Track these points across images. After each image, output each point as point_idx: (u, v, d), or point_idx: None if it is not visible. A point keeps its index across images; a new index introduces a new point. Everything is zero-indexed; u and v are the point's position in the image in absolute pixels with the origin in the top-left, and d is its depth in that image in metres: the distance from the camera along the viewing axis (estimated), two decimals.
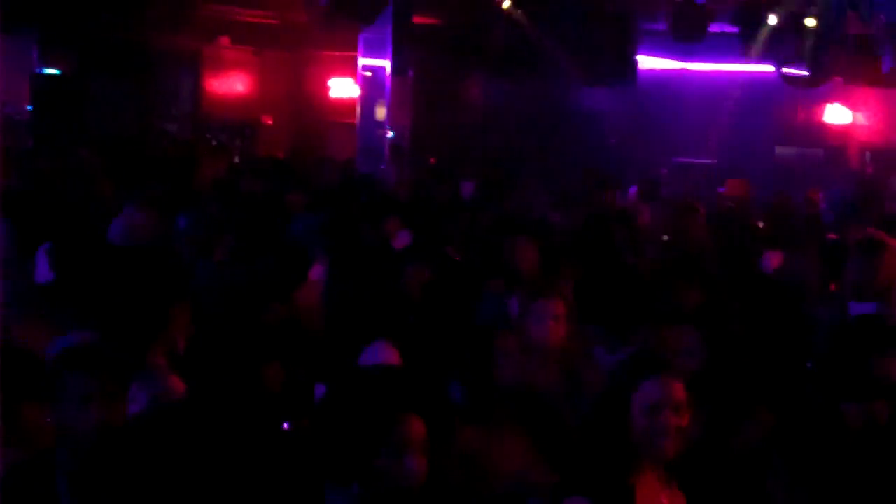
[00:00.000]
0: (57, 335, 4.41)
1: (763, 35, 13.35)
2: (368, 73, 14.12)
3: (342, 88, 17.01)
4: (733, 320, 5.15)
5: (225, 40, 16.46)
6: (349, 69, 15.59)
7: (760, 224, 9.22)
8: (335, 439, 2.98)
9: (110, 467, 3.41)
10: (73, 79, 14.62)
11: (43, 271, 5.81)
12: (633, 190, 11.36)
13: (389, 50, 12.72)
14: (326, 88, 17.40)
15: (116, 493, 3.39)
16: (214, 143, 15.49)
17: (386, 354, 4.46)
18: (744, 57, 14.20)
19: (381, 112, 13.93)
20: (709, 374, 4.09)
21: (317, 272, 6.04)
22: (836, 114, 17.02)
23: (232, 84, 17.08)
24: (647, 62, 15.81)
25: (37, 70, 14.65)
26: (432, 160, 12.48)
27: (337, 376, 4.30)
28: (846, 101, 16.82)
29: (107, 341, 4.08)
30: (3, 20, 13.43)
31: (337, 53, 16.13)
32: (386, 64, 13.23)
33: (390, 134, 13.84)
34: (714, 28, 13.17)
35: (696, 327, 4.52)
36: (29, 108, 14.53)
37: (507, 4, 12.69)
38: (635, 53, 14.84)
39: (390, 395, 3.05)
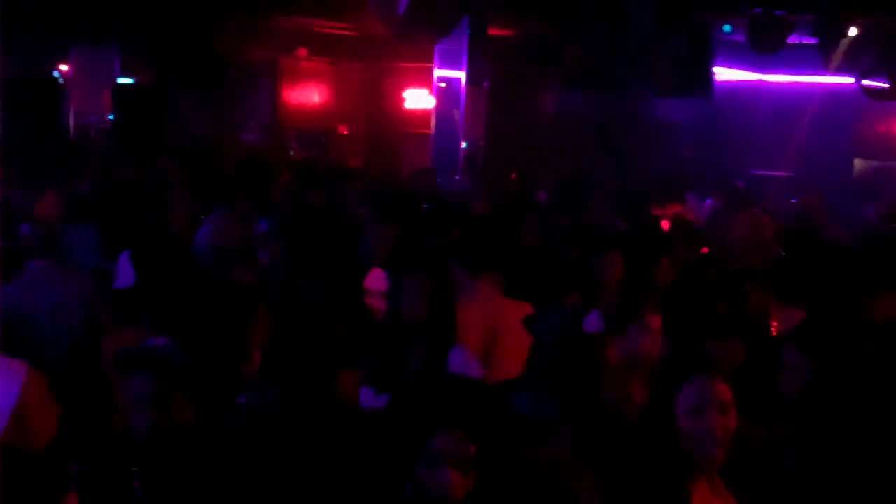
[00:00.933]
0: (137, 340, 4.51)
1: (843, 46, 13.17)
2: (443, 84, 14.18)
3: (417, 99, 17.11)
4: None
5: (302, 51, 16.65)
6: (424, 80, 15.67)
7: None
8: (386, 445, 3.04)
9: (167, 468, 3.48)
10: (154, 89, 14.89)
11: (124, 277, 5.93)
12: (709, 202, 11.26)
13: (465, 61, 12.77)
14: (401, 99, 17.51)
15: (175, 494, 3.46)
16: (292, 152, 15.69)
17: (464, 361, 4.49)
18: (823, 68, 14.02)
19: (455, 123, 13.99)
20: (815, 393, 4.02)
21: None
22: None
23: (308, 94, 17.26)
24: (723, 73, 15.68)
25: (118, 80, 14.94)
26: (513, 175, 12.48)
27: (397, 384, 4.37)
28: None
29: (181, 347, 4.15)
30: (89, 33, 13.76)
31: (412, 64, 16.23)
32: (461, 75, 13.29)
33: (464, 145, 13.89)
34: (792, 39, 13.00)
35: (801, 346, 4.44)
36: (111, 117, 14.83)
37: (582, 15, 12.67)
38: (712, 64, 14.70)
39: (432, 407, 3.08)
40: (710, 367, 3.32)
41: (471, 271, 5.49)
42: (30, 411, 3.19)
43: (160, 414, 3.51)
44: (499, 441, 3.31)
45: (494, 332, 5.17)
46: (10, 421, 3.31)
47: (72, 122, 14.46)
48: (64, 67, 15.14)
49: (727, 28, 13.50)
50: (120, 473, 3.45)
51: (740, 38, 13.37)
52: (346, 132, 17.29)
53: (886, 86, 13.83)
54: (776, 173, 15.76)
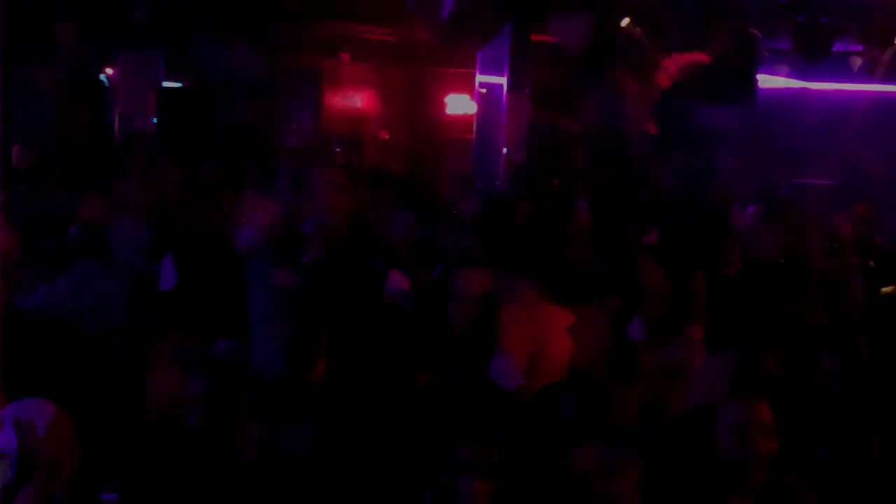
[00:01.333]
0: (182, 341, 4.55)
1: (889, 54, 13.06)
2: (483, 90, 14.19)
3: (458, 105, 17.13)
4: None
5: (345, 56, 16.73)
6: (466, 86, 15.69)
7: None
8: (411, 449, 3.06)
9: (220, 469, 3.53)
10: (198, 93, 15.01)
11: (167, 279, 5.99)
12: (751, 209, 11.19)
13: (507, 67, 12.78)
14: (443, 105, 17.54)
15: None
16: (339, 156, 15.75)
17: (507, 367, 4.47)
18: (868, 76, 13.91)
19: (494, 128, 14.00)
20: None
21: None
22: None
23: (351, 99, 17.33)
24: (768, 81, 15.59)
25: (163, 84, 15.08)
26: (556, 181, 12.45)
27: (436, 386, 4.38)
28: None
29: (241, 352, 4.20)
30: (135, 37, 13.91)
31: (454, 70, 16.26)
32: (502, 81, 13.29)
33: (504, 151, 13.88)
34: (839, 47, 12.92)
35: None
36: (155, 120, 14.97)
37: (625, 22, 12.65)
38: (756, 72, 14.64)
39: (460, 416, 3.10)
40: (758, 388, 3.29)
41: (516, 277, 5.48)
42: (54, 450, 3.23)
43: (213, 415, 3.55)
44: (533, 447, 3.31)
45: (538, 338, 5.16)
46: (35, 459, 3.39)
47: (117, 125, 14.60)
48: (109, 71, 15.32)
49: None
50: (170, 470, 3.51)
51: (784, 45, 13.30)
52: (387, 137, 17.35)
53: None
54: (820, 182, 15.61)
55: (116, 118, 14.61)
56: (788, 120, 16.11)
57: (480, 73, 13.67)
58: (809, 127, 16.15)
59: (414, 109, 17.44)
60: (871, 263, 7.79)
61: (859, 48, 13.44)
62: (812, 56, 13.16)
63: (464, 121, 16.20)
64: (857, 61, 13.30)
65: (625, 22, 12.69)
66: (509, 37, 12.16)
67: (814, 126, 16.14)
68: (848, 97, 16.31)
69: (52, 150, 11.05)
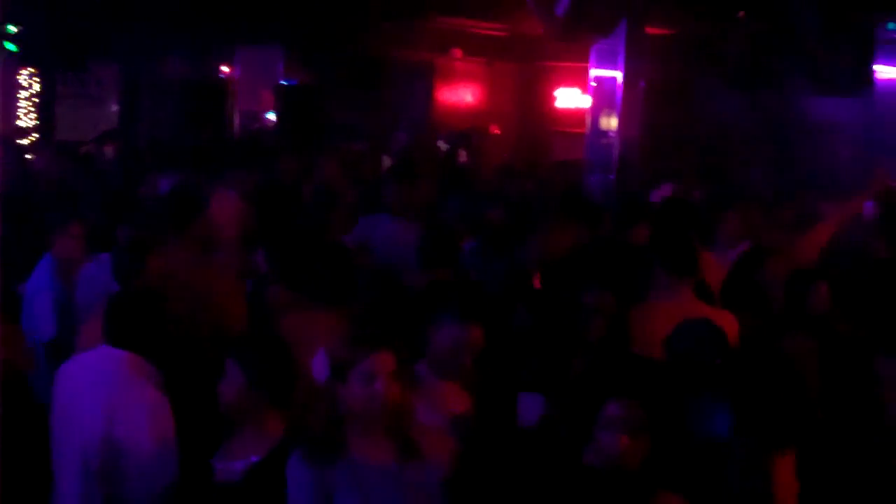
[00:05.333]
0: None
1: None
2: (595, 84, 14.14)
3: (569, 98, 17.12)
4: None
5: (457, 52, 16.85)
6: (577, 79, 15.68)
7: None
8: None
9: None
10: (314, 89, 15.27)
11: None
12: (869, 205, 11.00)
13: (621, 60, 12.70)
14: (553, 98, 17.55)
15: None
16: (443, 150, 15.88)
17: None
18: None
19: (608, 122, 13.93)
20: None
21: None
22: None
23: (462, 94, 17.45)
24: (886, 72, 15.27)
25: (281, 81, 15.37)
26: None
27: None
28: None
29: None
30: (253, 35, 14.19)
31: (567, 64, 16.26)
32: (616, 74, 13.23)
33: (619, 145, 13.81)
34: None
35: None
36: (272, 115, 15.28)
37: (742, 14, 12.53)
38: (873, 63, 14.36)
39: (610, 377, 3.21)
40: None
41: (671, 273, 5.50)
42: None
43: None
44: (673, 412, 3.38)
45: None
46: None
47: (237, 122, 14.95)
48: (226, 69, 15.68)
49: (893, 25, 13.16)
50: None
51: None
52: (498, 131, 17.42)
53: None
54: None
55: (236, 115, 14.95)
56: None
57: (594, 67, 13.61)
58: None
59: (525, 104, 17.50)
60: None
61: None
62: None
63: (574, 115, 16.18)
64: None
65: (742, 13, 12.56)
66: (624, 31, 12.11)
67: None
68: None
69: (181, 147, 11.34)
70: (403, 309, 5.15)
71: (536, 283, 5.93)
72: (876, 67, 14.67)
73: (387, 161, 12.79)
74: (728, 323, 5.13)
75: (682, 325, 4.59)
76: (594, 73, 13.61)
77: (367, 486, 3.60)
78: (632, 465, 3.18)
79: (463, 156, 15.55)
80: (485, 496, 2.57)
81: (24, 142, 14.22)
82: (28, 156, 11.56)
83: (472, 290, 4.45)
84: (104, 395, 4.32)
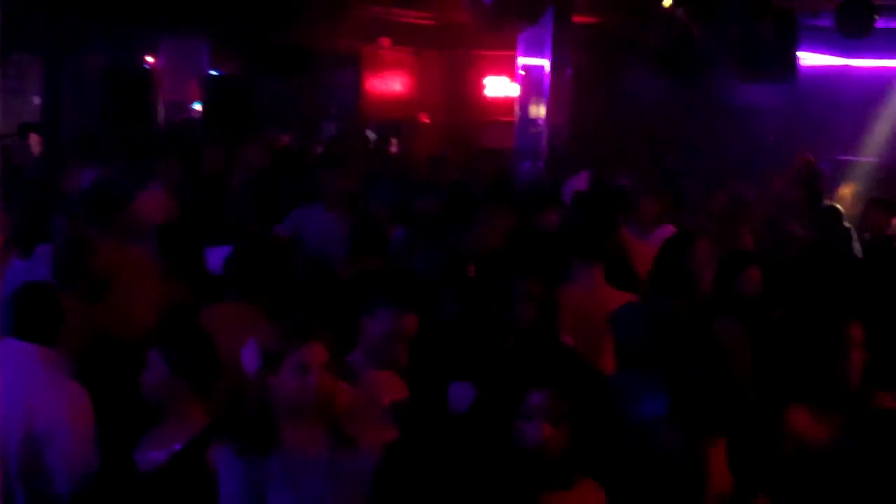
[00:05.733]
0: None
1: None
2: (523, 72, 14.20)
3: (498, 87, 17.15)
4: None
5: (385, 41, 16.80)
6: (505, 68, 15.72)
7: None
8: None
9: None
10: (241, 79, 15.13)
11: (215, 264, 6.08)
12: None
13: (548, 49, 12.78)
14: (482, 87, 17.57)
15: None
16: (371, 140, 15.83)
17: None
18: None
19: (536, 110, 14.00)
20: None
21: None
22: None
23: (391, 83, 17.40)
24: (809, 58, 15.50)
25: (207, 72, 15.21)
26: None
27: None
28: None
29: None
30: (178, 25, 14.02)
31: (495, 53, 16.29)
32: (543, 62, 13.29)
33: (547, 132, 13.89)
34: (880, 23, 12.82)
35: None
36: (197, 106, 15.11)
37: (667, 2, 12.62)
38: (797, 50, 14.55)
39: (531, 367, 3.24)
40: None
41: (581, 258, 5.51)
42: None
43: None
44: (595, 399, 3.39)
45: (596, 319, 5.20)
46: None
47: (161, 113, 14.75)
48: (151, 60, 15.46)
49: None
50: None
51: (826, 22, 13.21)
52: (427, 120, 17.40)
53: None
54: (861, 158, 15.55)
55: (161, 106, 14.75)
56: (830, 97, 16.04)
57: (522, 56, 13.69)
58: (850, 104, 16.08)
59: (454, 93, 17.49)
60: None
61: None
62: (854, 33, 13.06)
63: (504, 103, 16.23)
64: None
65: (667, 2, 12.65)
66: (551, 18, 12.17)
67: (854, 103, 16.07)
68: (890, 74, 16.22)
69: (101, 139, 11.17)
70: (335, 299, 5.13)
71: (471, 273, 5.93)
72: (799, 54, 14.89)
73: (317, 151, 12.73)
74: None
75: (624, 309, 4.63)
76: (522, 61, 13.70)
77: (300, 476, 3.58)
78: (554, 454, 3.18)
79: (393, 145, 15.53)
80: (410, 485, 2.56)
81: None
82: None
83: (405, 278, 4.42)
84: (21, 390, 4.24)
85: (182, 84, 15.31)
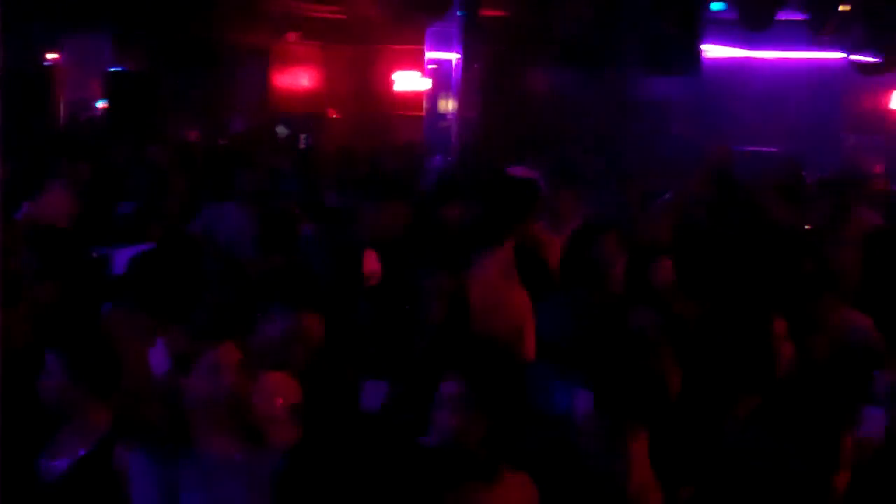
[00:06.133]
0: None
1: (832, 22, 13.22)
2: (433, 66, 14.21)
3: (407, 81, 17.12)
4: None
5: (293, 35, 16.67)
6: (415, 62, 15.70)
7: None
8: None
9: None
10: (146, 75, 14.88)
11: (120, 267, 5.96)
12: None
13: (457, 42, 12.78)
14: (392, 81, 17.53)
15: None
16: (281, 136, 15.71)
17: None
18: (812, 44, 14.07)
19: (446, 104, 14.02)
20: None
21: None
22: None
23: (299, 78, 17.27)
24: (712, 51, 15.74)
25: (110, 67, 14.94)
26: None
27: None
28: None
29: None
30: (80, 21, 13.74)
31: (403, 47, 16.26)
32: (452, 56, 13.31)
33: (456, 126, 13.91)
34: (782, 15, 13.06)
35: None
36: (102, 103, 14.83)
37: None
38: (700, 42, 14.77)
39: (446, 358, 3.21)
40: None
41: (477, 248, 5.51)
42: None
43: None
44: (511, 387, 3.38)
45: (495, 309, 5.20)
46: None
47: (63, 111, 14.46)
48: (53, 56, 15.14)
49: (718, 6, 13.55)
50: None
51: (730, 15, 13.42)
52: (336, 115, 17.31)
53: (876, 60, 13.90)
54: (765, 149, 15.82)
55: (62, 104, 14.47)
56: (734, 89, 16.31)
57: (430, 50, 13.70)
58: (754, 95, 16.37)
59: (363, 87, 17.42)
60: None
61: (803, 16, 13.59)
62: (755, 25, 13.28)
63: (413, 97, 16.21)
64: None
65: None
66: (459, 12, 12.18)
67: (758, 94, 16.36)
68: (792, 66, 16.54)
69: None
70: (244, 297, 5.05)
71: (369, 266, 5.88)
72: (704, 46, 15.12)
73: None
74: (522, 301, 5.23)
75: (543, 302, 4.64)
76: (431, 55, 13.71)
77: (213, 478, 3.53)
78: (470, 444, 3.16)
79: (302, 140, 15.43)
80: (312, 488, 2.52)
81: None
82: None
83: (303, 277, 4.37)
84: None
85: (85, 81, 15.01)
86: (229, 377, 3.60)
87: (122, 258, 5.76)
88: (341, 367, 4.31)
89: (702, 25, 14.48)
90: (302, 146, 15.22)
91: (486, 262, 5.47)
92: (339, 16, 16.15)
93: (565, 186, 7.90)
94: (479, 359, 3.27)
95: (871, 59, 13.96)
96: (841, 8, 13.00)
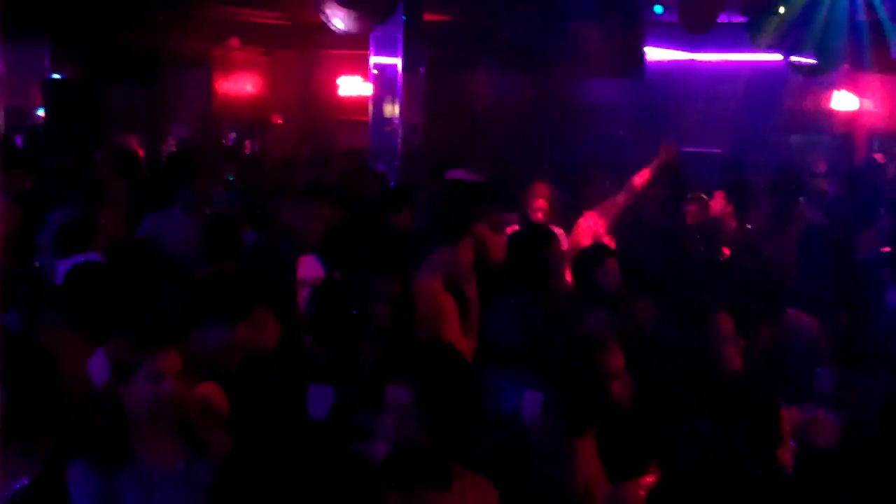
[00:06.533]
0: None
1: (772, 24, 13.37)
2: (376, 71, 14.16)
3: (352, 87, 17.08)
4: None
5: (235, 41, 16.56)
6: (359, 67, 15.65)
7: None
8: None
9: None
10: (85, 83, 14.71)
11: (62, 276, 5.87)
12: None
13: (400, 47, 12.75)
14: (336, 87, 17.47)
15: None
16: (226, 144, 15.62)
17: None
18: (752, 46, 14.22)
19: (391, 109, 13.97)
20: None
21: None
22: (843, 101, 17.05)
23: (242, 85, 17.17)
24: (655, 53, 15.86)
25: (48, 75, 14.75)
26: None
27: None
28: (854, 88, 16.86)
29: None
30: (14, 28, 13.53)
31: (346, 52, 16.21)
32: (396, 61, 13.27)
33: (401, 131, 13.88)
34: (722, 18, 13.19)
35: None
36: (40, 112, 14.63)
37: None
38: (644, 45, 14.87)
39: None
40: None
41: (429, 247, 5.50)
42: None
43: None
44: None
45: (436, 309, 5.17)
46: None
47: (1, 120, 14.24)
48: None
49: (659, 9, 13.64)
50: None
51: (672, 18, 13.52)
52: (280, 122, 17.23)
53: (814, 62, 14.08)
54: (708, 150, 15.96)
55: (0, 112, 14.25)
56: (677, 91, 16.46)
57: (374, 55, 13.63)
58: (696, 97, 16.53)
59: (306, 93, 17.36)
60: None
61: (743, 19, 13.73)
62: (696, 28, 13.39)
63: (357, 102, 16.16)
64: None
65: None
66: (402, 16, 12.16)
67: (700, 96, 16.52)
68: (733, 67, 16.72)
69: None
70: (186, 306, 5.00)
71: (310, 271, 5.85)
72: (647, 49, 15.23)
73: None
74: (450, 304, 5.23)
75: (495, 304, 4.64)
76: (374, 60, 13.65)
77: (154, 487, 3.49)
78: (420, 448, 3.14)
79: (247, 147, 15.33)
80: (249, 495, 2.49)
81: None
82: None
83: (243, 285, 4.32)
84: None
85: (23, 89, 14.80)
86: (171, 385, 3.56)
87: (63, 267, 5.69)
88: (285, 373, 4.27)
89: (645, 28, 14.58)
90: (247, 153, 15.13)
91: (436, 264, 5.47)
92: (282, 21, 16.08)
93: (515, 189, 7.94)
94: (427, 362, 3.25)
95: (808, 61, 14.14)
96: (778, 10, 13.15)
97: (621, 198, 7.69)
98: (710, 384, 3.66)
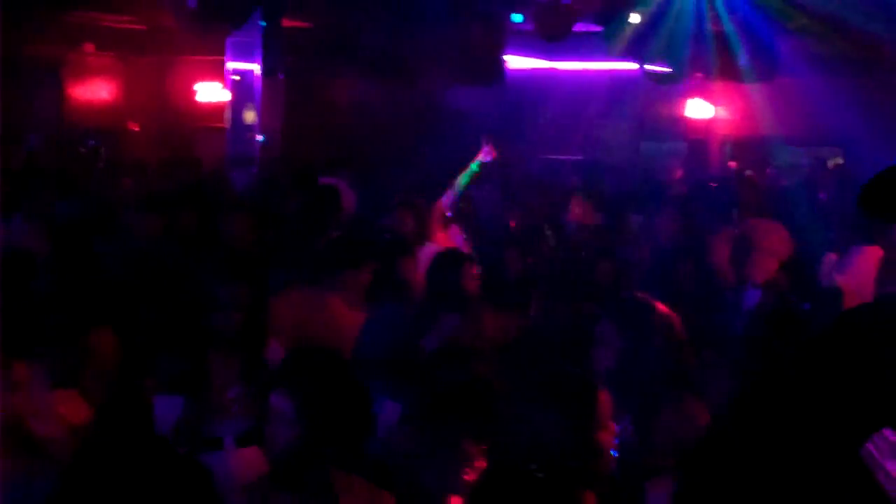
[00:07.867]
0: None
1: (626, 33, 13.67)
2: (236, 77, 14.01)
3: (210, 93, 16.82)
4: None
5: (89, 47, 16.19)
6: (216, 73, 15.44)
7: None
8: None
9: None
10: None
11: None
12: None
13: (259, 53, 12.64)
14: (193, 93, 17.20)
15: None
16: (83, 150, 15.22)
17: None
18: (608, 55, 14.51)
19: (250, 116, 13.85)
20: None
21: None
22: (697, 108, 17.53)
23: (97, 91, 16.78)
24: (515, 61, 16.04)
25: None
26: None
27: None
28: (707, 96, 17.33)
29: None
30: None
31: (203, 58, 15.97)
32: (255, 67, 13.16)
33: (260, 138, 13.76)
34: (579, 27, 13.42)
35: None
36: None
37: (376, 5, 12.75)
38: (503, 53, 15.04)
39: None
40: None
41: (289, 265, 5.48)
42: None
43: None
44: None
45: (306, 323, 5.17)
46: None
47: None
48: None
49: (518, 17, 13.81)
50: None
51: (531, 27, 13.71)
52: (136, 128, 16.88)
53: (668, 70, 14.44)
54: (567, 157, 16.22)
55: None
56: (537, 99, 16.67)
57: (231, 60, 13.50)
58: (555, 105, 16.77)
59: (163, 99, 17.04)
60: None
61: (599, 28, 14.00)
62: (553, 37, 13.59)
63: (215, 109, 15.93)
64: None
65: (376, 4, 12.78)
66: (260, 22, 12.04)
67: (559, 104, 16.77)
68: (590, 76, 17.02)
69: None
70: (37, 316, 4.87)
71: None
72: (506, 57, 15.40)
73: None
74: (341, 313, 5.29)
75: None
76: (232, 66, 13.52)
77: None
78: (303, 454, 3.14)
79: (102, 154, 14.98)
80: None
81: None
82: None
83: (96, 294, 4.24)
84: None
85: None
86: (13, 396, 3.48)
87: None
88: (133, 383, 4.18)
89: (504, 36, 14.74)
90: (102, 160, 14.76)
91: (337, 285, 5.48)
92: (137, 26, 15.77)
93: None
94: (308, 370, 3.25)
95: (662, 69, 14.50)
96: (632, 20, 13.44)
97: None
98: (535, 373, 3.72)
